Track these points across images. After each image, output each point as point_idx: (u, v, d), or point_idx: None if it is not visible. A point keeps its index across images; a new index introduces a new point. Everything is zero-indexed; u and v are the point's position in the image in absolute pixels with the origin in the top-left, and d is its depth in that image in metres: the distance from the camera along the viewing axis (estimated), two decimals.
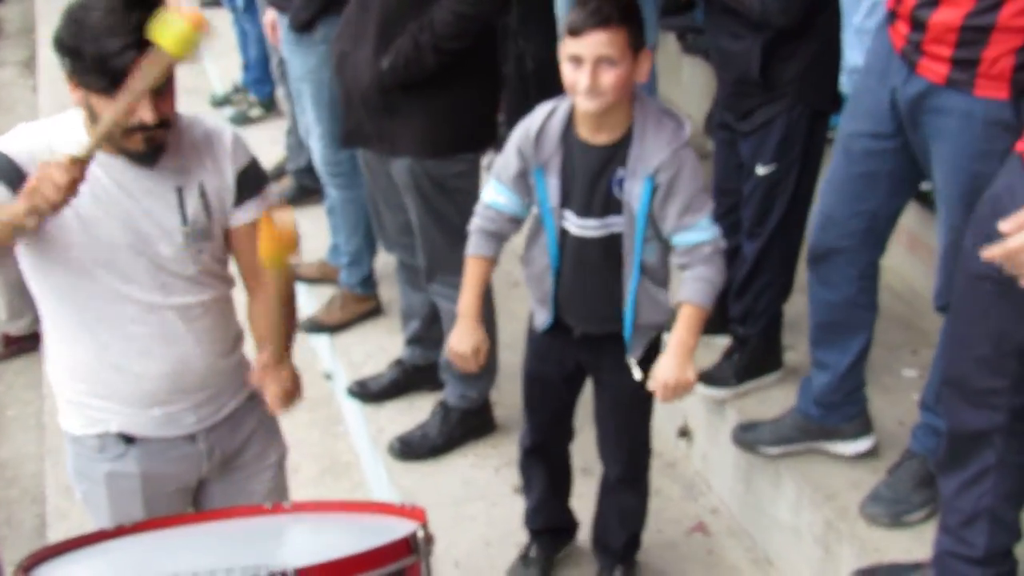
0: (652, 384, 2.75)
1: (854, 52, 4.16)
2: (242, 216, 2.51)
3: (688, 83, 5.75)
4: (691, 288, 2.75)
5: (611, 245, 2.82)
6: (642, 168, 2.70)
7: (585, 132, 2.75)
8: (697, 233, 2.74)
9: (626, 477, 3.20)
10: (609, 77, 2.60)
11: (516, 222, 2.94)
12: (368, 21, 3.47)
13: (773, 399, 3.59)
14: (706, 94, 5.15)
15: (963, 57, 2.62)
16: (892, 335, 3.80)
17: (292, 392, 2.53)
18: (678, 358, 2.72)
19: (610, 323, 2.92)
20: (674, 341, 2.73)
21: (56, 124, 2.38)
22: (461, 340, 2.92)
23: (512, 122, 2.98)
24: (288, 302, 2.55)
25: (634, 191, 2.72)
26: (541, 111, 2.81)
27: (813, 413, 3.28)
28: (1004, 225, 2.11)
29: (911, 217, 3.92)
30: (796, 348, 3.76)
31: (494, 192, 2.89)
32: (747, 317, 3.55)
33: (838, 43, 3.40)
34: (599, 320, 2.95)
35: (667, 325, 2.92)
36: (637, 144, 2.71)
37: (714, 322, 3.75)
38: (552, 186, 2.79)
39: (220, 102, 7.17)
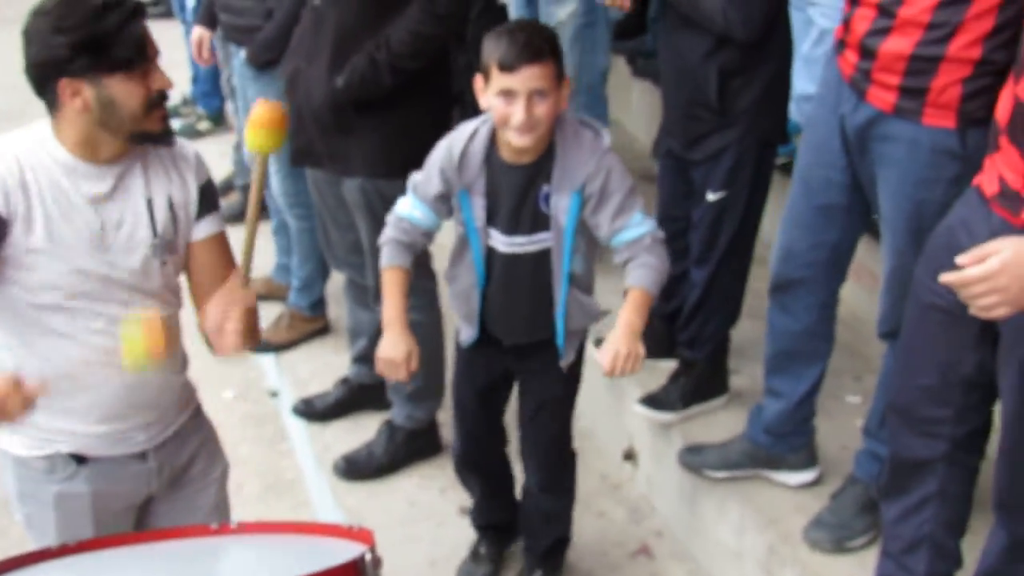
0: (601, 356, 2.70)
1: (801, 80, 4.21)
2: (199, 231, 2.51)
3: (638, 106, 5.78)
4: (636, 274, 2.77)
5: (540, 260, 2.88)
6: (568, 183, 2.76)
7: (508, 154, 2.79)
8: (633, 230, 2.78)
9: (547, 483, 3.26)
10: (542, 109, 2.66)
11: (429, 236, 2.95)
12: (322, 38, 3.46)
13: (719, 423, 3.62)
14: (655, 117, 5.14)
15: (911, 86, 2.66)
16: (836, 361, 3.80)
17: (252, 324, 2.45)
18: (626, 334, 2.69)
19: (539, 332, 2.99)
20: (621, 321, 2.72)
21: (19, 140, 2.34)
22: (394, 346, 2.84)
23: None
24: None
25: (561, 205, 2.78)
26: (462, 133, 2.83)
27: (762, 441, 3.31)
28: (962, 258, 2.15)
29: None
30: (742, 373, 3.79)
31: (410, 206, 2.91)
32: (694, 342, 3.57)
33: (789, 73, 3.44)
34: (528, 331, 3.01)
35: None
36: (560, 160, 2.76)
37: (661, 346, 3.79)
38: (478, 206, 2.84)
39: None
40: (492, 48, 2.66)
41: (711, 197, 3.39)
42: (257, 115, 2.45)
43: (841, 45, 2.83)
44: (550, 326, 2.96)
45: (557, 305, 2.92)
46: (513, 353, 3.07)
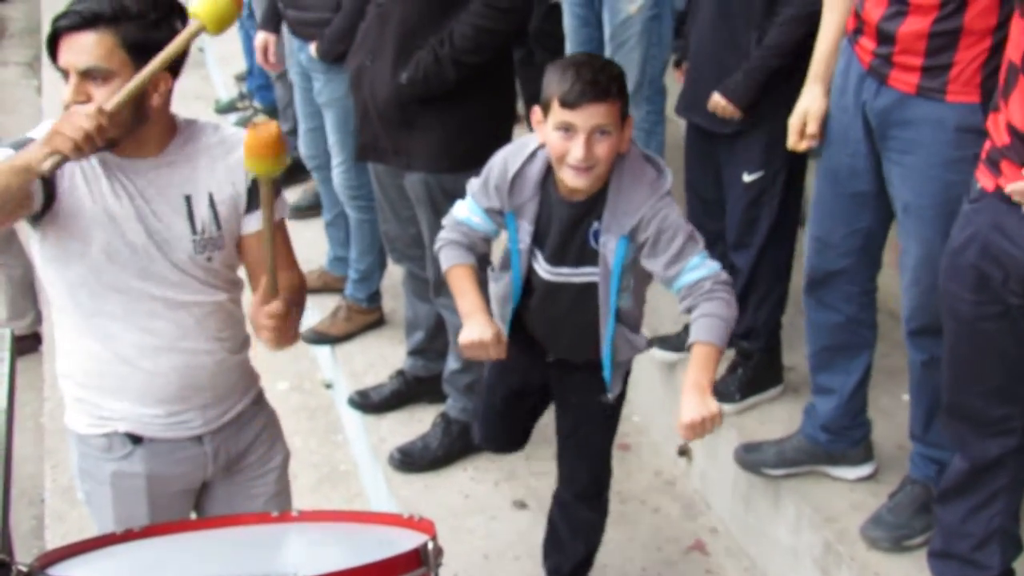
0: (679, 429, 2.48)
1: None
2: (252, 224, 2.52)
3: None
4: (697, 327, 2.60)
5: (584, 292, 2.76)
6: (616, 226, 2.64)
7: (563, 187, 2.67)
8: (691, 274, 2.63)
9: (585, 495, 3.16)
10: (603, 147, 2.55)
11: (488, 241, 2.86)
12: (387, 35, 3.49)
13: (773, 418, 3.60)
14: None
15: (934, 64, 2.66)
16: (891, 359, 3.80)
17: (284, 328, 2.42)
18: (696, 396, 2.47)
19: (581, 356, 2.89)
20: (688, 384, 2.51)
21: None
22: (481, 329, 2.67)
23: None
24: (280, 230, 2.55)
25: (609, 246, 2.67)
26: (521, 152, 2.73)
27: (821, 439, 3.28)
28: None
29: None
30: (792, 366, 3.77)
31: (468, 211, 2.81)
32: (751, 332, 3.56)
33: None
34: (570, 352, 2.93)
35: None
36: (612, 201, 2.64)
37: None
38: (524, 230, 2.74)
39: (224, 108, 7.18)
40: (555, 82, 2.54)
41: (747, 178, 3.37)
42: (248, 141, 2.17)
43: (856, 33, 2.82)
44: (593, 352, 2.84)
45: (604, 341, 2.80)
46: (556, 366, 2.98)
